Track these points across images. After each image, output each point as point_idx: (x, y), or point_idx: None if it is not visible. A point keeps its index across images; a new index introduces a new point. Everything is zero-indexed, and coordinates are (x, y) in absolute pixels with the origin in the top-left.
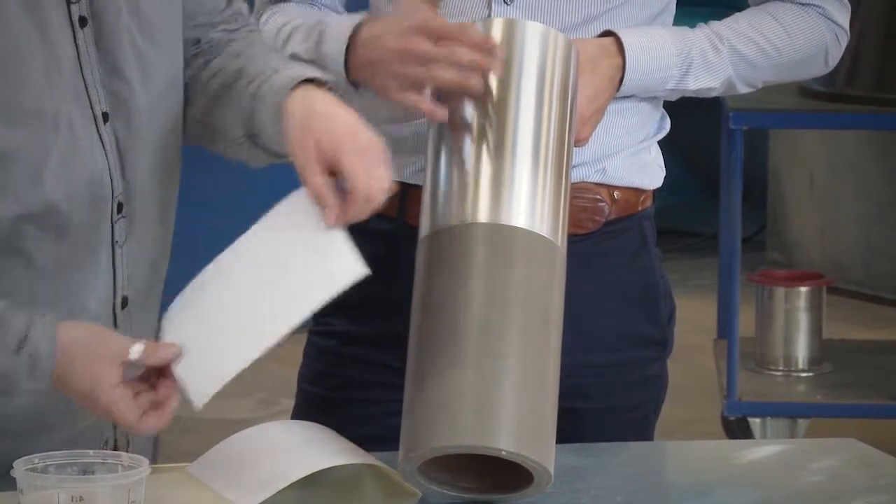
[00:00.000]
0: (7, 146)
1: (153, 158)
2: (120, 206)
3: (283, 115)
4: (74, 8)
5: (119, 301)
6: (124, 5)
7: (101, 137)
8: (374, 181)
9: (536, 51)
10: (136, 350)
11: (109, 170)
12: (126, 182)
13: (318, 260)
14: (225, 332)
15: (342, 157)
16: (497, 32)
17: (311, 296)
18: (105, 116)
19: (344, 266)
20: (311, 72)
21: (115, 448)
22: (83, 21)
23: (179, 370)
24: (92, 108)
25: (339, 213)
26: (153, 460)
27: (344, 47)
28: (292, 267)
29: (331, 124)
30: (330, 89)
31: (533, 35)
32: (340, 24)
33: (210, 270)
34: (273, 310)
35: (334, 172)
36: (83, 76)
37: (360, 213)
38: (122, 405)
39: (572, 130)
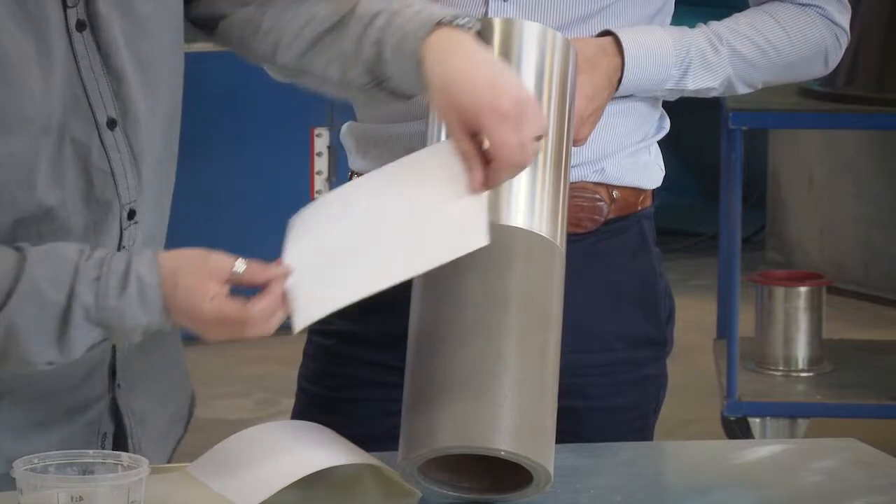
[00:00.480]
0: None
1: (157, 157)
2: (132, 213)
3: (419, 70)
4: (72, 12)
5: None
6: (118, 9)
7: (103, 143)
8: (518, 148)
9: (534, 50)
10: (241, 264)
11: (114, 176)
12: (139, 189)
13: (451, 219)
14: (343, 261)
15: (485, 125)
16: (495, 32)
17: (434, 252)
18: (112, 123)
19: (475, 233)
20: (440, 10)
21: (115, 441)
22: (81, 25)
23: (289, 286)
24: (93, 113)
25: (484, 178)
26: (170, 458)
27: None
28: (424, 217)
29: (471, 88)
30: (461, 26)
31: (531, 34)
32: None
33: (342, 193)
34: (394, 253)
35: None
36: (82, 81)
37: (506, 178)
38: (230, 307)
39: (571, 130)
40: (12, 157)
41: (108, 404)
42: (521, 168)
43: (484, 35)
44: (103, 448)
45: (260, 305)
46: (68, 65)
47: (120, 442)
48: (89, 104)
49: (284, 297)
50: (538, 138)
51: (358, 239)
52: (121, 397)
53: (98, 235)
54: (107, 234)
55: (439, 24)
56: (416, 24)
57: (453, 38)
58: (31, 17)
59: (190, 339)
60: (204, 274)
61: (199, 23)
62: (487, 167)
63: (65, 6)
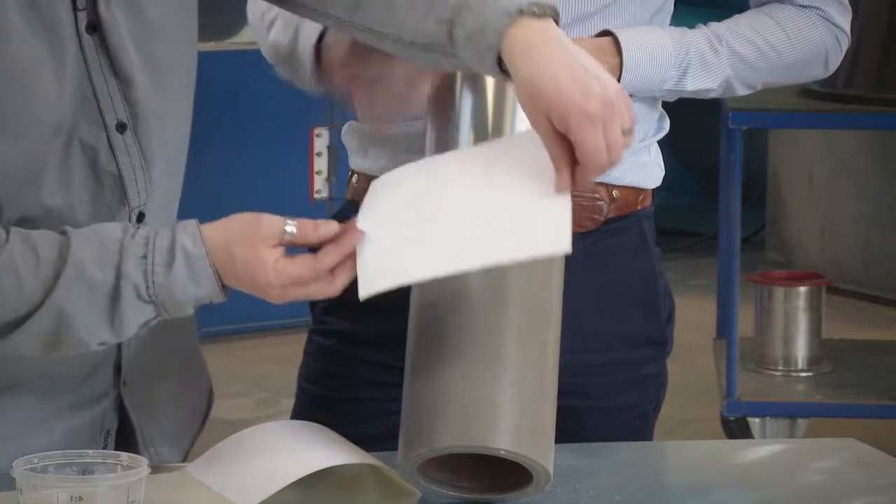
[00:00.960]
0: (9, 156)
1: (168, 159)
2: (141, 216)
3: (498, 62)
4: (81, 15)
5: None
6: (126, 12)
7: (111, 146)
8: (606, 150)
9: None
10: (291, 226)
11: (123, 179)
12: (149, 192)
13: (536, 218)
14: (418, 238)
15: (573, 128)
16: None
17: (514, 248)
18: (122, 126)
19: (559, 239)
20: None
21: (121, 438)
22: (91, 27)
23: (358, 251)
24: (103, 116)
25: (572, 179)
26: (187, 452)
27: (314, 43)
28: (507, 209)
29: (558, 91)
30: (545, 16)
31: None
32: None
33: (424, 167)
34: (472, 240)
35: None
36: (92, 83)
37: (594, 178)
38: (295, 268)
39: None
40: (21, 159)
41: (113, 401)
42: (609, 168)
43: None
44: (106, 445)
45: (327, 260)
46: (78, 67)
47: (127, 439)
48: (98, 107)
49: (352, 257)
50: (626, 133)
51: (436, 217)
52: (127, 394)
53: None
54: None
55: (520, 13)
56: (496, 12)
57: (536, 33)
58: (44, 20)
59: None
60: (258, 242)
61: None
62: (575, 167)
63: (75, 9)
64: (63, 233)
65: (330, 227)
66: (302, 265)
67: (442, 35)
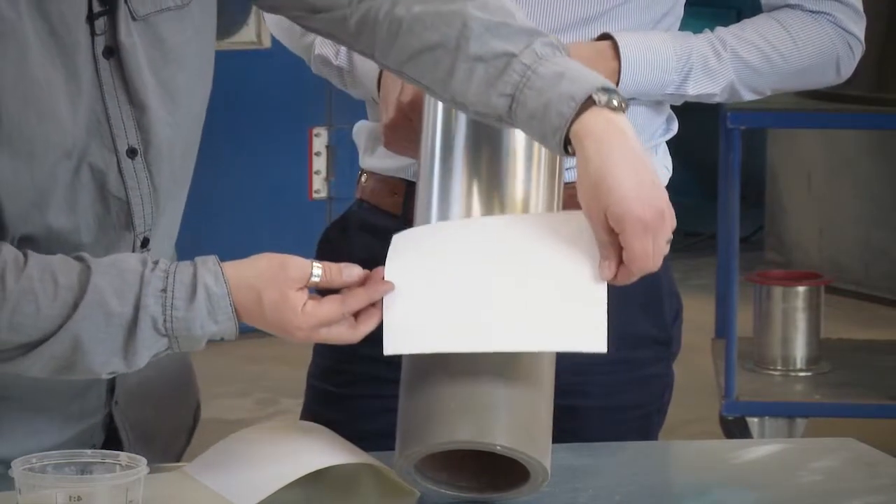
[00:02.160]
0: (21, 178)
1: (175, 188)
2: (145, 241)
3: (563, 145)
4: (99, 39)
5: None
6: (146, 38)
7: (121, 171)
8: (649, 259)
9: None
10: (317, 269)
11: (130, 205)
12: (154, 218)
13: (572, 309)
14: (448, 304)
15: (626, 232)
16: None
17: (547, 339)
18: (133, 152)
19: (591, 335)
20: (583, 77)
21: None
22: (108, 52)
23: (386, 305)
24: (114, 141)
25: (614, 272)
26: (179, 456)
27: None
28: (543, 294)
29: (620, 195)
30: (614, 106)
31: None
32: None
33: (460, 226)
34: (505, 321)
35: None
36: (105, 108)
37: (635, 279)
38: (324, 312)
39: None
40: (31, 181)
41: (102, 418)
42: (650, 271)
43: None
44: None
45: (353, 304)
46: (93, 91)
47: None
48: (111, 132)
49: (378, 305)
50: (668, 242)
51: (470, 289)
52: (118, 413)
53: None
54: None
55: (591, 101)
56: (561, 95)
57: (604, 126)
58: (62, 44)
59: None
60: (286, 285)
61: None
62: (620, 264)
63: (93, 33)
64: (81, 259)
65: (354, 270)
66: (329, 308)
67: (502, 109)
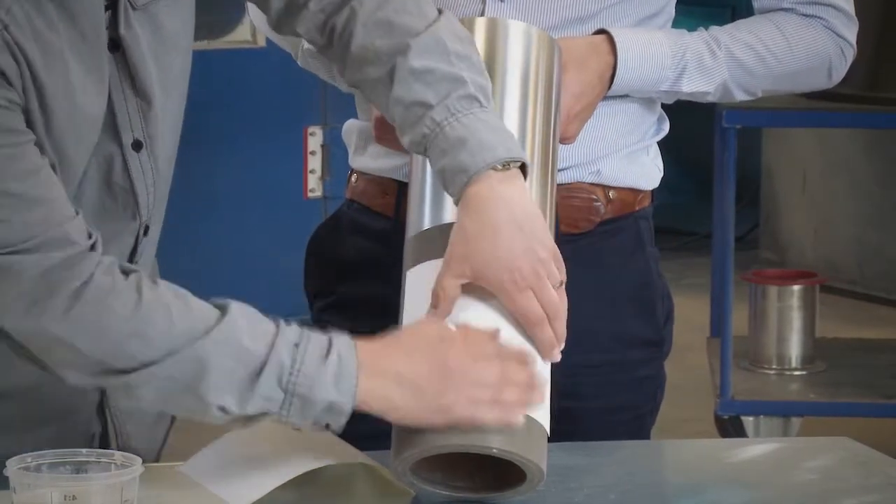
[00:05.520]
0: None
1: (168, 166)
2: (146, 229)
3: (459, 203)
4: (104, 34)
5: None
6: (147, 28)
7: (126, 163)
8: (539, 313)
9: (519, 50)
10: None
11: (136, 195)
12: (156, 206)
13: None
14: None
15: (506, 297)
16: (479, 32)
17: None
18: (137, 144)
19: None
20: (504, 150)
21: (105, 442)
22: (113, 46)
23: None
24: (120, 134)
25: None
26: (157, 457)
27: None
28: None
29: (493, 252)
30: (514, 168)
31: (515, 34)
32: None
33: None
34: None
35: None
36: (111, 101)
37: (557, 331)
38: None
39: (557, 128)
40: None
41: (96, 406)
42: (556, 321)
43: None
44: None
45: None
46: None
47: (105, 441)
48: (116, 125)
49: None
50: (560, 284)
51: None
52: (110, 398)
53: (110, 247)
54: (120, 248)
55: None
56: (457, 166)
57: (487, 195)
58: (91, 47)
59: None
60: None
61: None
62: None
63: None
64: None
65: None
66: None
67: (420, 150)
